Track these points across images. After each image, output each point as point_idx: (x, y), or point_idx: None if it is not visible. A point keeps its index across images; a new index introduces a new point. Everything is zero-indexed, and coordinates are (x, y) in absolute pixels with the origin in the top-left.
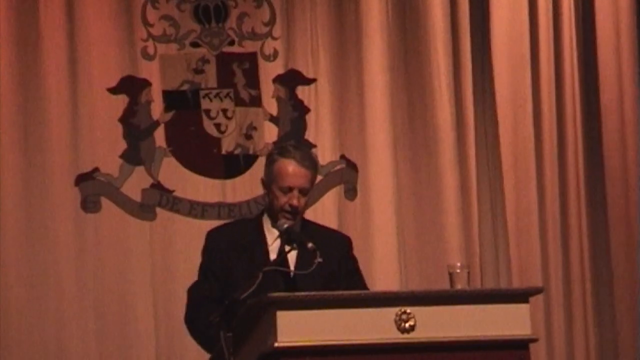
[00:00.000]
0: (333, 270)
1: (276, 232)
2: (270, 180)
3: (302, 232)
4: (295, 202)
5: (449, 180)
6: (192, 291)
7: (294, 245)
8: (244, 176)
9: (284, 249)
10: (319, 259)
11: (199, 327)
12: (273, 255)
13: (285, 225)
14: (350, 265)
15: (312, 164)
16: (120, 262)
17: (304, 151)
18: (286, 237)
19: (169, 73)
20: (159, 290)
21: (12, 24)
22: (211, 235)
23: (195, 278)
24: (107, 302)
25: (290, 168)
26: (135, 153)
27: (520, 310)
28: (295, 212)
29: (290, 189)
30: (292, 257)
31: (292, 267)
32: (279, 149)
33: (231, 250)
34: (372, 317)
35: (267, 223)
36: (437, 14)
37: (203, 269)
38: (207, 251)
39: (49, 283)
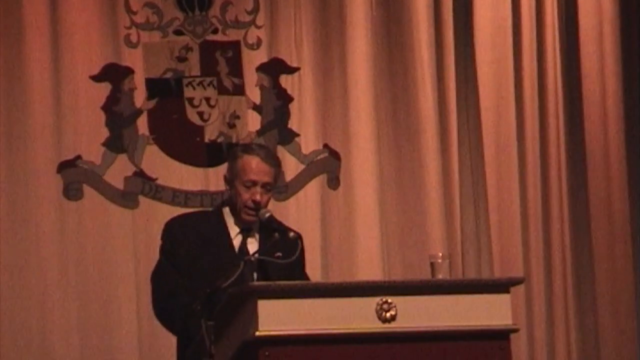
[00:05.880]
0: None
1: (238, 229)
2: (233, 176)
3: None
4: (258, 197)
5: (431, 170)
6: (159, 278)
7: (276, 234)
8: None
9: (246, 242)
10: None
11: (175, 316)
12: (236, 249)
13: (267, 215)
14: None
15: (275, 162)
16: (103, 250)
17: (268, 149)
18: (268, 227)
19: (152, 61)
20: (141, 278)
21: None
22: (173, 224)
23: None
24: (89, 289)
25: (254, 163)
26: (118, 141)
27: (501, 301)
28: (258, 208)
29: (254, 184)
30: (252, 248)
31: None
32: (243, 147)
33: (194, 241)
34: (353, 307)
35: (229, 218)
36: (421, 5)
37: (168, 255)
38: (169, 239)
39: (31, 270)
